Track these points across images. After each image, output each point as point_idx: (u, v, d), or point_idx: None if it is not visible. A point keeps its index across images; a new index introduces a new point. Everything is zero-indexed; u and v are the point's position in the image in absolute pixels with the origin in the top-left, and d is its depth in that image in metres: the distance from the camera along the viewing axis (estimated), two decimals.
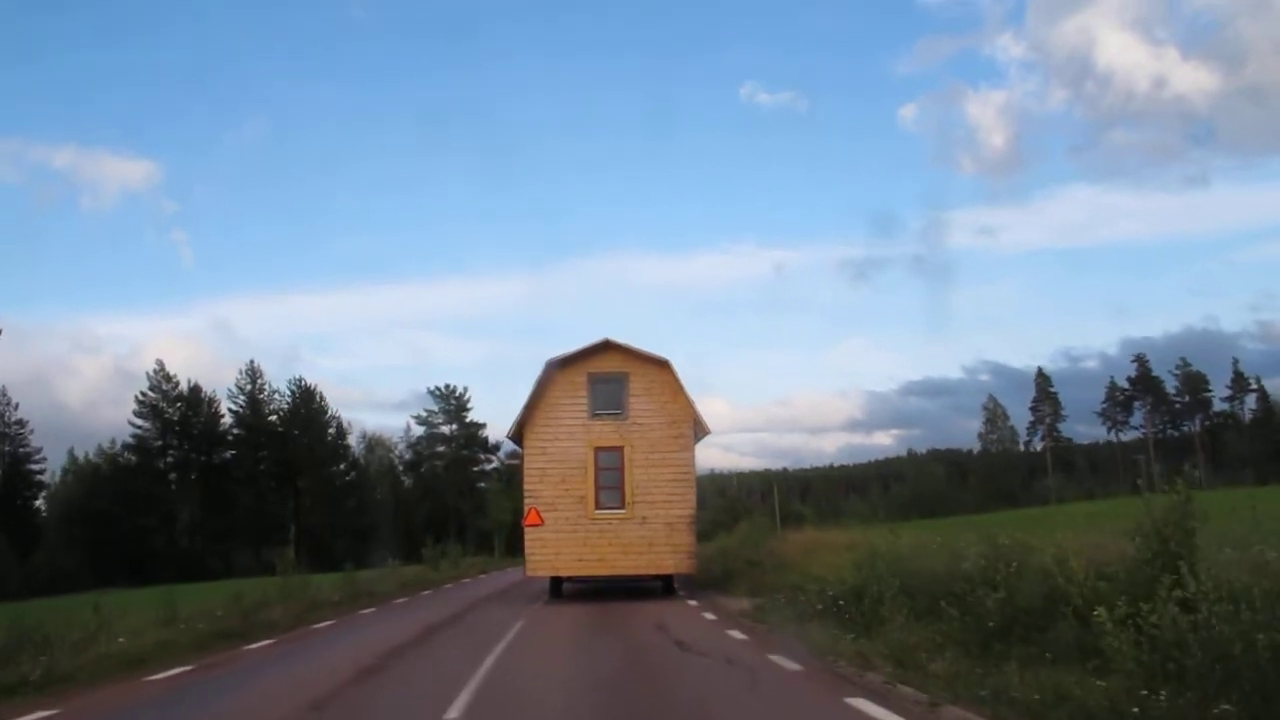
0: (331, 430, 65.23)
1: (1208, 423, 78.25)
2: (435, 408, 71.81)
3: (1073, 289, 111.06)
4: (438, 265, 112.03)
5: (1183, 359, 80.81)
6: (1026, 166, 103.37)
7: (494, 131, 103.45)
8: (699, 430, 16.78)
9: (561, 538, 15.47)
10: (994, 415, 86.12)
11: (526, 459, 16.39)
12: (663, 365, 16.37)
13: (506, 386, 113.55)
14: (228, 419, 62.48)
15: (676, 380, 16.31)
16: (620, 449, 15.75)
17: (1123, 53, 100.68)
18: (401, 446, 73.35)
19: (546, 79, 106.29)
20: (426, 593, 20.64)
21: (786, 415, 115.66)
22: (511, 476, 73.50)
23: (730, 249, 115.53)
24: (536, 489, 15.81)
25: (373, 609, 15.73)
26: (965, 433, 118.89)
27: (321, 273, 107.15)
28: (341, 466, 65.86)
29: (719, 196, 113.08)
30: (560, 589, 16.90)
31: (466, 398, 70.95)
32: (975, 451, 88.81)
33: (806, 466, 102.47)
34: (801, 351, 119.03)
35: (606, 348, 16.40)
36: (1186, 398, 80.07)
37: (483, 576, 28.02)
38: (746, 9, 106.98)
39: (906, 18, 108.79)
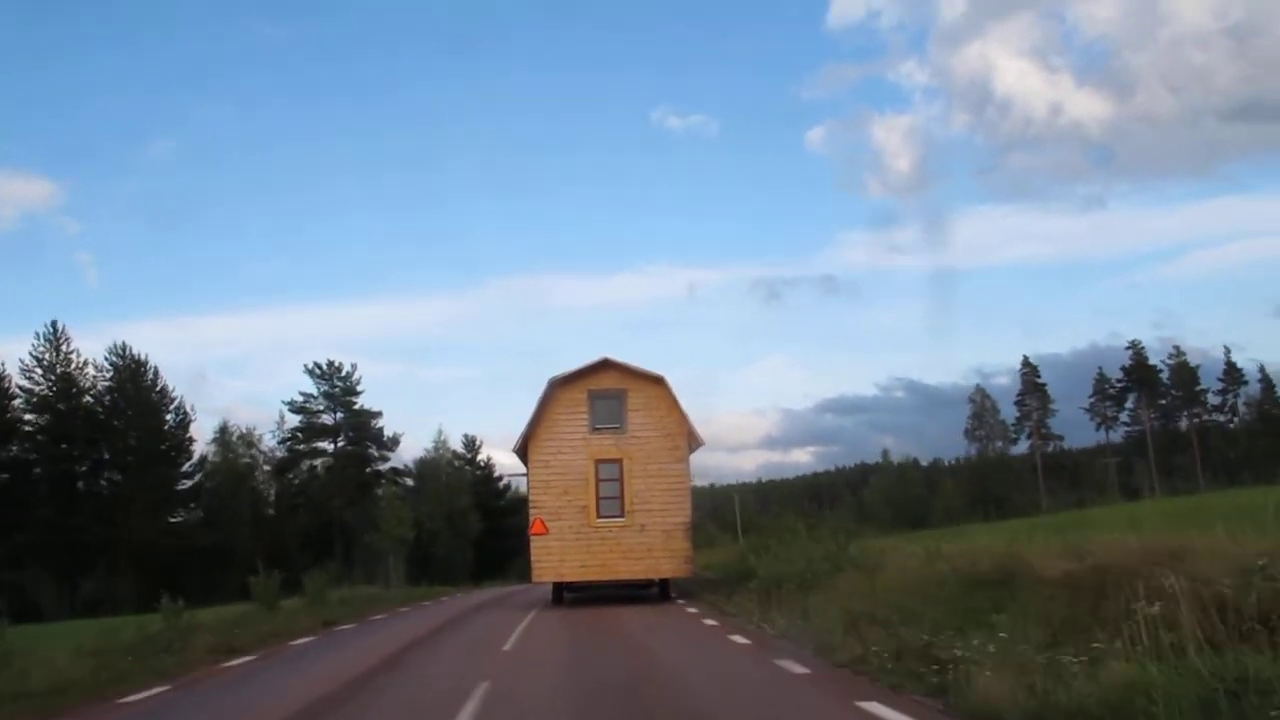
0: (170, 419, 59.08)
1: (1197, 420, 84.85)
2: (315, 391, 65.85)
3: (982, 307, 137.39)
4: (352, 288, 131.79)
5: (1176, 347, 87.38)
6: (933, 188, 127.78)
7: (409, 153, 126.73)
8: (693, 442, 21.04)
9: (566, 545, 19.85)
10: (981, 410, 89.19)
11: (531, 472, 20.73)
12: (658, 382, 20.76)
13: (426, 408, 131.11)
14: (20, 402, 54.76)
15: (671, 396, 20.68)
16: (619, 461, 20.23)
17: (1020, 80, 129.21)
18: (271, 442, 67.63)
19: (457, 100, 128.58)
20: None
21: (707, 434, 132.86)
22: (425, 479, 68.53)
23: (645, 269, 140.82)
24: (541, 500, 20.21)
25: None
26: (880, 448, 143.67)
27: (229, 296, 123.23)
28: (184, 467, 60.27)
29: (633, 217, 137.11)
30: (561, 596, 21.19)
31: (356, 379, 65.98)
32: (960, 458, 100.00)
33: (732, 482, 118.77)
34: (718, 371, 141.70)
35: (605, 366, 20.79)
36: (1179, 392, 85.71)
37: (294, 645, 15.33)
38: (654, 35, 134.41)
39: (812, 45, 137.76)
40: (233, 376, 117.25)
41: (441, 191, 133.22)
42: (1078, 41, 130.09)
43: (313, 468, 67.27)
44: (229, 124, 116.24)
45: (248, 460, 67.77)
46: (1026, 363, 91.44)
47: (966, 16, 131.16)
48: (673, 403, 21.03)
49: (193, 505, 62.01)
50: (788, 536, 19.13)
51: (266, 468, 68.63)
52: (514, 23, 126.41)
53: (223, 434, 66.48)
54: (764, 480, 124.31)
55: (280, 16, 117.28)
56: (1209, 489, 64.51)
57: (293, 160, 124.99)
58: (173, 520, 59.19)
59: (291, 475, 67.58)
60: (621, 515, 20.42)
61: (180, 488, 60.72)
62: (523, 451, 21.33)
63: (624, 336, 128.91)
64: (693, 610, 17.70)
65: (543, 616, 18.57)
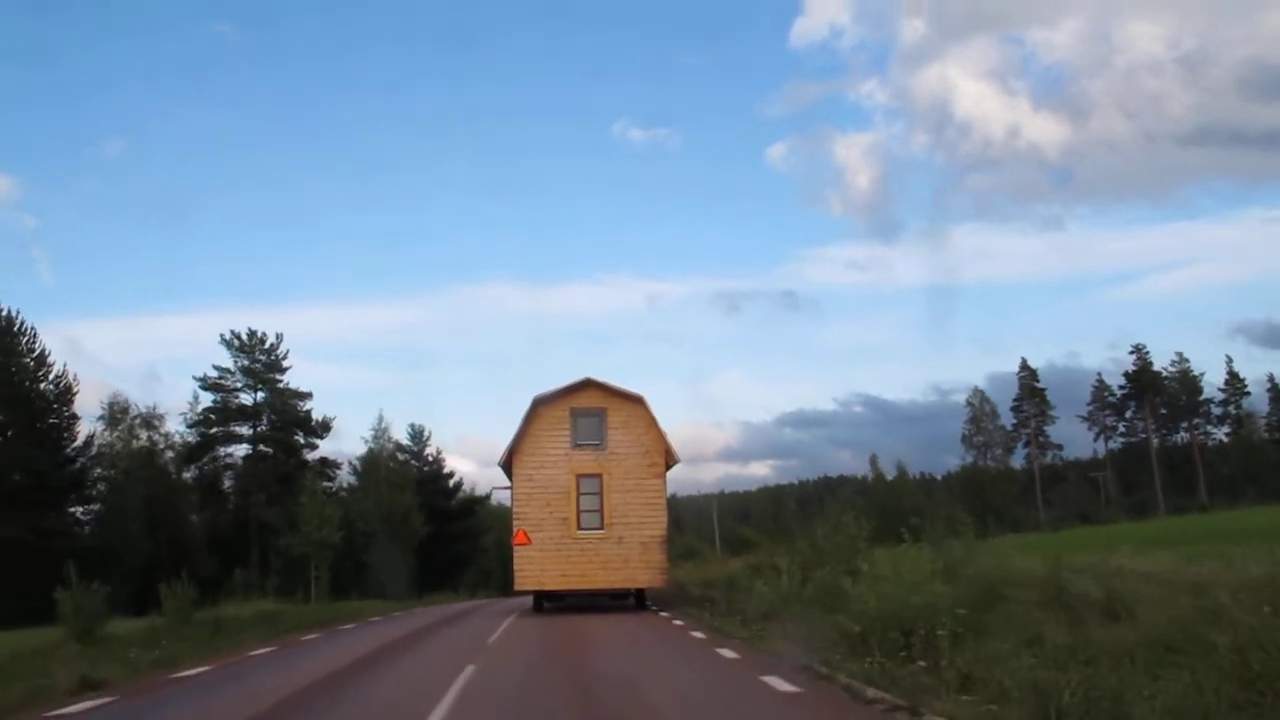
0: (49, 389, 54.30)
1: (1200, 433, 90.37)
2: (232, 366, 61.73)
3: (941, 325, 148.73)
4: (305, 291, 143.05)
5: (1178, 354, 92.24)
6: (892, 207, 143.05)
7: (365, 156, 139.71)
8: (670, 459, 24.25)
9: (547, 555, 23.08)
10: (979, 414, 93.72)
11: (515, 485, 23.77)
12: (637, 401, 23.94)
13: (373, 412, 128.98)
14: None
15: (650, 415, 23.86)
16: (599, 476, 23.52)
17: (979, 102, 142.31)
18: (180, 426, 63.24)
19: (413, 109, 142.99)
20: None
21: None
22: (366, 474, 66.12)
23: (606, 280, 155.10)
24: (524, 512, 23.46)
25: None
26: (839, 462, 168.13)
27: (185, 295, 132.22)
28: (68, 450, 55.52)
29: (594, 229, 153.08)
30: (542, 605, 24.42)
31: (282, 353, 62.30)
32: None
33: (693, 494, 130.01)
34: (677, 383, 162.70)
35: (587, 385, 24.04)
36: (1184, 399, 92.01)
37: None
38: (617, 48, 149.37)
39: (775, 62, 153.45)
40: (183, 377, 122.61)
41: (396, 199, 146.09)
42: (1035, 66, 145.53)
43: (228, 456, 63.28)
44: (196, 126, 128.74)
45: (146, 445, 62.96)
46: (1025, 366, 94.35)
47: (927, 38, 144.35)
48: (651, 421, 24.62)
49: (75, 497, 57.68)
50: (875, 549, 15.17)
51: (170, 454, 63.99)
52: (472, 34, 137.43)
53: (113, 411, 60.46)
54: (726, 492, 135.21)
55: (228, 18, 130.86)
56: (1213, 507, 70.94)
57: (247, 163, 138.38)
58: (50, 514, 54.40)
59: (203, 464, 63.23)
60: (601, 528, 23.70)
61: (61, 474, 55.17)
62: (507, 466, 24.40)
63: (582, 347, 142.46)
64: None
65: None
